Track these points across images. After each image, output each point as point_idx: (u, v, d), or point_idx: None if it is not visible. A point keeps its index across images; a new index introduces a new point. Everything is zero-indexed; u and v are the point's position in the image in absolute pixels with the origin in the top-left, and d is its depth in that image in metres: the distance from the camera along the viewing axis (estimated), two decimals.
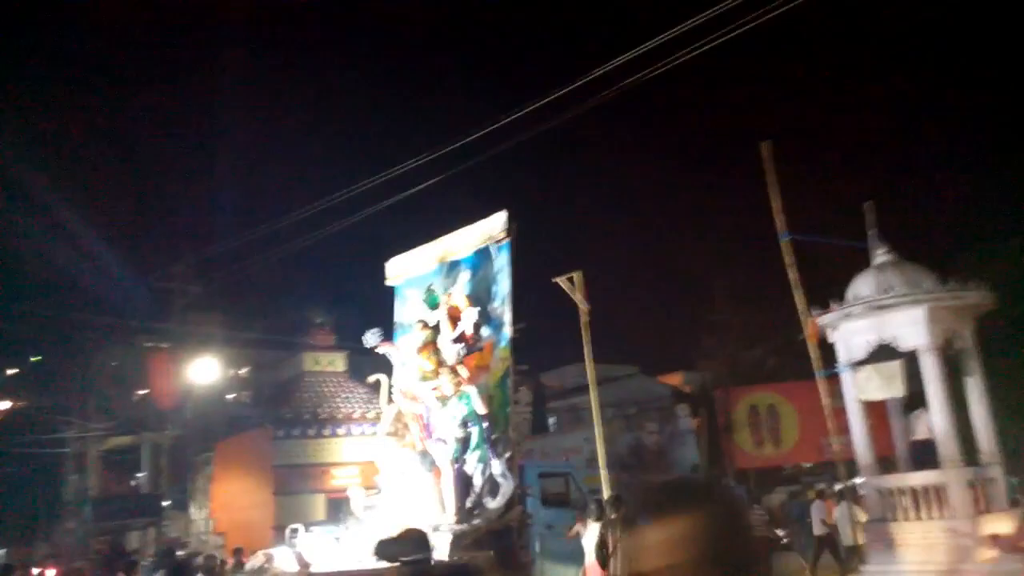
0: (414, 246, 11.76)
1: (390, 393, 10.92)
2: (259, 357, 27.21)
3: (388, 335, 11.30)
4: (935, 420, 9.42)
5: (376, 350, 11.11)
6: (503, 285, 10.45)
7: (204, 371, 21.90)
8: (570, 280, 11.19)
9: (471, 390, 9.85)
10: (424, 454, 10.07)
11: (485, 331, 10.49)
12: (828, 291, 9.97)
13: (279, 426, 22.21)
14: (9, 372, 30.46)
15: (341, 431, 22.96)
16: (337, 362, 24.96)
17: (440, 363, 10.39)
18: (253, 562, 9.82)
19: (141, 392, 27.16)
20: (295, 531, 11.54)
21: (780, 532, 20.76)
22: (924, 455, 9.63)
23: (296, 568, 9.17)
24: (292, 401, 23.19)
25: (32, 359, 30.65)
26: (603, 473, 10.85)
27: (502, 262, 10.55)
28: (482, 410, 9.71)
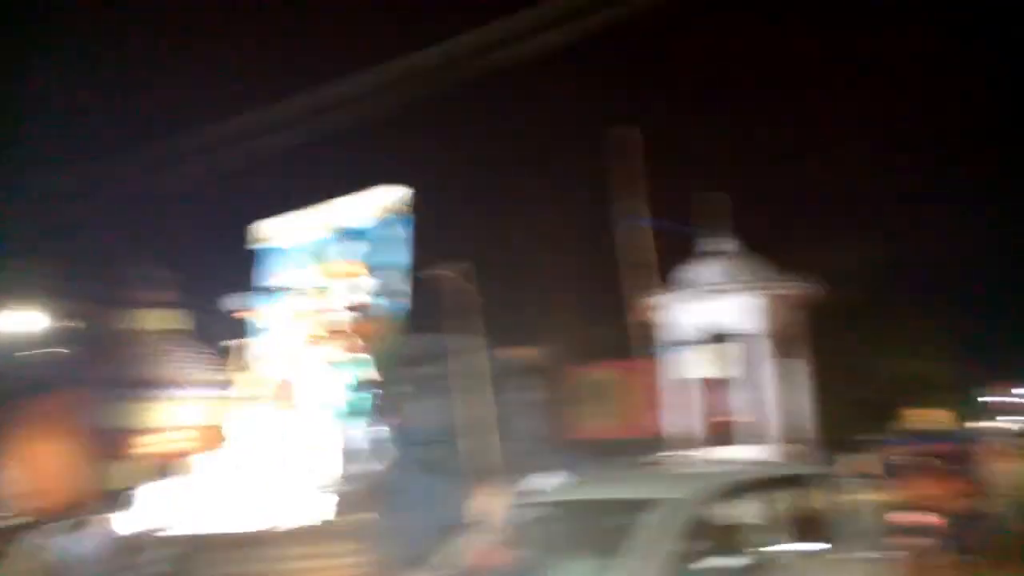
0: (269, 207, 11.26)
1: (255, 357, 10.70)
2: (85, 311, 25.17)
3: (248, 297, 10.89)
4: (765, 400, 9.98)
5: (241, 313, 10.87)
6: (401, 256, 10.70)
7: (23, 323, 19.99)
8: (458, 271, 11.17)
9: (363, 357, 10.10)
10: (304, 418, 10.19)
11: (379, 300, 10.70)
12: (667, 274, 10.30)
13: (103, 386, 20.67)
14: None
15: (173, 393, 21.70)
16: (173, 320, 23.50)
17: (329, 329, 10.52)
18: (94, 525, 9.11)
19: None
20: (132, 494, 10.94)
21: None
22: (749, 432, 10.18)
23: (138, 531, 8.89)
24: (122, 358, 21.64)
25: None
26: (485, 440, 11.15)
27: (400, 235, 10.79)
28: (372, 377, 10.00)
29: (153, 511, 9.41)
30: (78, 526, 7.86)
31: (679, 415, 10.50)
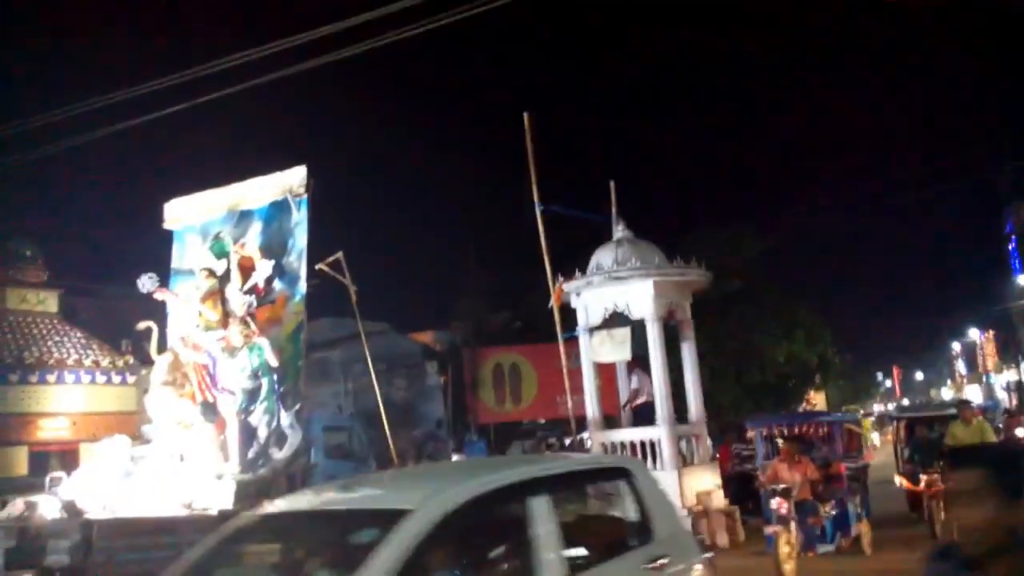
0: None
1: (161, 341, 10.41)
2: None
3: (154, 279, 10.49)
4: (654, 382, 10.45)
5: (153, 295, 10.59)
6: (300, 240, 10.45)
7: None
8: (335, 263, 11.05)
9: (263, 342, 9.79)
10: (206, 404, 9.91)
11: (278, 284, 10.42)
12: (574, 261, 10.60)
13: None
14: None
15: (51, 378, 20.56)
16: (49, 301, 22.21)
17: (227, 313, 10.20)
18: (10, 511, 8.60)
19: None
20: (56, 479, 10.42)
21: None
22: (643, 413, 10.63)
23: (64, 515, 8.47)
24: None
25: None
26: (386, 427, 11.13)
27: (299, 217, 10.51)
28: (274, 363, 9.71)
29: (67, 496, 9.03)
30: (22, 521, 7.48)
31: (583, 398, 10.84)
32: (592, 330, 10.84)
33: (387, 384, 25.15)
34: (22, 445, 19.91)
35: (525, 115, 10.43)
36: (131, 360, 23.04)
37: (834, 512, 8.77)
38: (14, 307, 21.47)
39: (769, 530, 8.25)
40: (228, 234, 10.87)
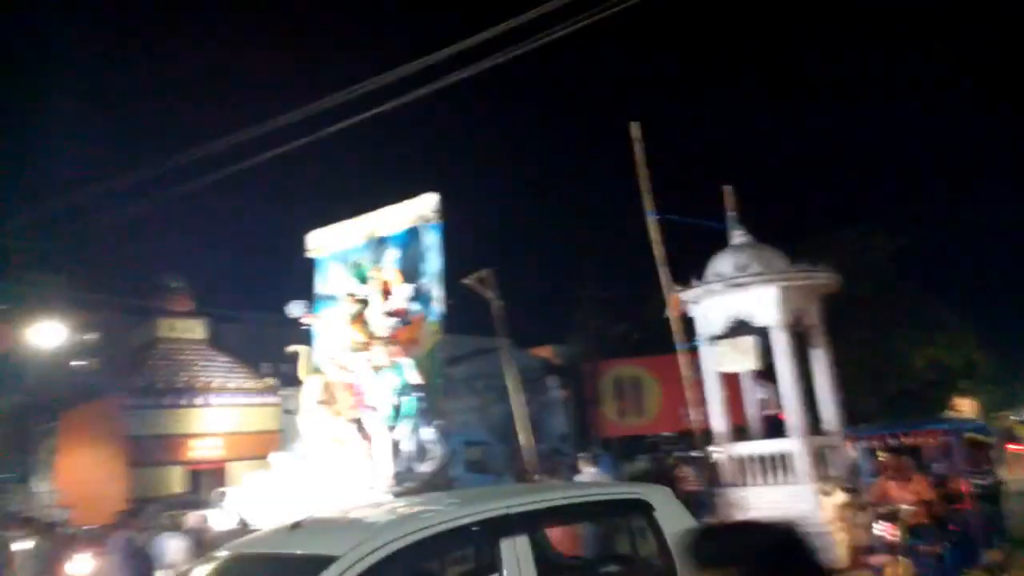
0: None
1: (309, 364, 11.10)
2: (109, 322, 25.56)
3: (306, 305, 11.38)
4: (782, 392, 10.07)
5: (300, 321, 11.35)
6: (433, 263, 11.00)
7: (46, 336, 20.31)
8: (480, 279, 11.52)
9: (405, 361, 10.32)
10: (356, 421, 10.42)
11: (415, 306, 10.96)
12: (691, 269, 10.40)
13: (132, 395, 21.02)
14: None
15: (199, 401, 22.02)
16: (196, 329, 23.85)
17: (371, 335, 10.74)
18: (189, 522, 9.46)
19: None
20: (223, 493, 11.39)
21: None
22: (774, 425, 10.27)
23: (237, 526, 9.21)
24: (146, 369, 21.99)
25: None
26: (522, 440, 11.45)
27: (432, 241, 11.07)
28: (416, 380, 10.21)
29: (238, 510, 9.78)
30: (173, 524, 8.20)
31: (709, 410, 10.59)
32: (714, 339, 10.59)
33: (509, 400, 25.49)
34: (177, 465, 21.40)
35: (632, 124, 10.38)
36: (272, 381, 24.39)
37: (955, 539, 7.42)
38: (164, 335, 23.19)
39: (875, 560, 7.23)
40: (367, 260, 11.56)
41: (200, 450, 21.89)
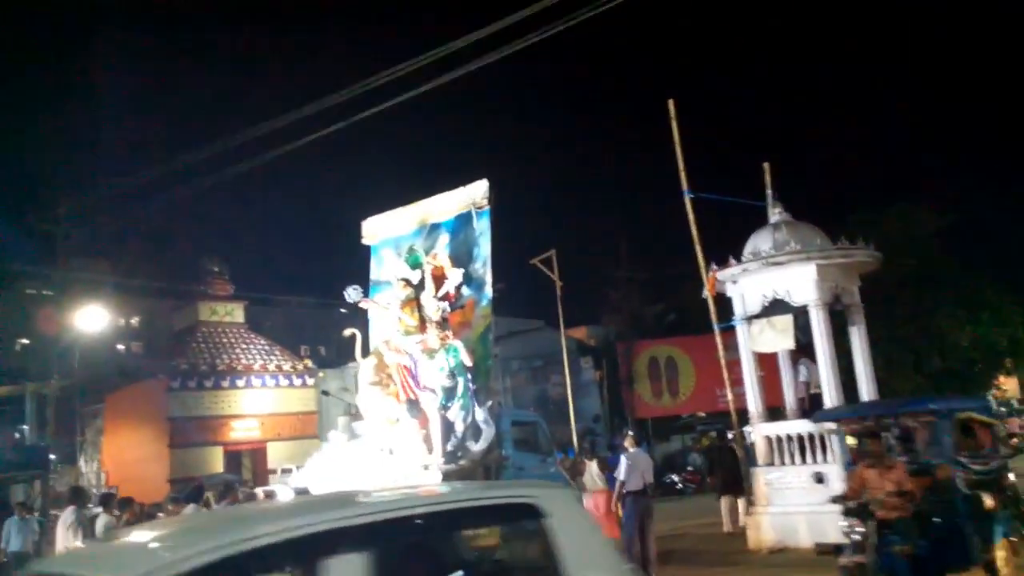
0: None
1: (365, 347, 11.43)
2: (152, 306, 26.11)
3: (359, 290, 11.83)
4: (821, 371, 9.92)
5: (359, 305, 11.63)
6: (484, 248, 11.26)
7: (92, 320, 20.79)
8: (547, 260, 11.73)
9: (458, 344, 10.60)
10: (411, 402, 10.79)
11: (466, 290, 11.25)
12: (728, 248, 10.26)
13: (174, 377, 21.46)
14: None
15: (240, 383, 22.41)
16: (235, 312, 24.24)
17: (424, 319, 11.05)
18: (259, 499, 9.80)
19: (23, 340, 25.68)
20: (287, 470, 11.81)
21: (676, 478, 21.76)
22: (815, 405, 10.13)
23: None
24: (187, 352, 22.42)
25: None
26: (572, 424, 11.67)
27: (483, 227, 11.32)
28: (468, 362, 10.48)
29: (303, 483, 10.20)
30: (244, 500, 8.49)
31: (746, 389, 10.47)
32: (751, 319, 10.45)
33: (543, 380, 25.50)
34: (218, 445, 21.84)
35: (670, 102, 10.25)
36: (310, 364, 24.74)
37: (937, 535, 6.25)
38: (205, 319, 23.62)
39: (842, 561, 6.27)
40: (420, 246, 11.81)
41: (239, 431, 22.31)
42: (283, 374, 23.41)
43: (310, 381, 23.94)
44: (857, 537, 6.05)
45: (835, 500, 6.59)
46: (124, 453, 22.15)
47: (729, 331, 10.85)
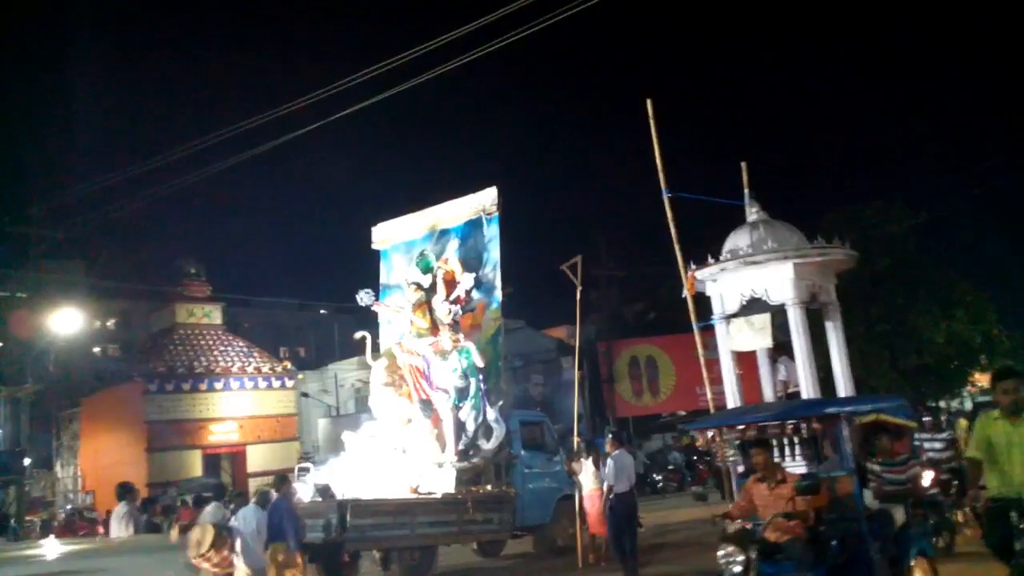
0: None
1: (376, 349, 11.78)
2: (128, 308, 25.83)
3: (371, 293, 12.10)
4: (798, 369, 10.01)
5: (371, 308, 12.02)
6: (493, 253, 11.66)
7: (66, 322, 20.53)
8: (573, 266, 12.11)
9: (470, 346, 10.94)
10: (424, 402, 11.09)
11: (476, 294, 11.60)
12: (707, 247, 10.30)
13: (151, 380, 21.25)
14: None
15: (219, 385, 22.24)
16: (213, 314, 24.05)
17: (435, 321, 11.39)
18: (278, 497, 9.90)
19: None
20: (304, 469, 12.13)
21: (657, 477, 21.85)
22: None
23: (319, 499, 9.70)
24: (165, 354, 22.21)
25: None
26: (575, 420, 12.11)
27: (492, 232, 11.72)
28: (480, 364, 10.81)
29: (320, 481, 10.27)
30: (262, 497, 8.61)
31: (725, 388, 10.53)
32: (729, 317, 10.52)
33: (525, 380, 25.52)
34: (196, 449, 21.65)
35: (647, 101, 10.28)
36: (289, 366, 24.59)
37: (833, 561, 5.27)
38: (183, 320, 23.40)
39: None
40: (431, 251, 12.15)
41: (218, 434, 22.13)
42: (262, 376, 23.27)
43: (289, 383, 23.82)
44: (736, 569, 5.05)
45: (718, 519, 5.77)
46: (101, 457, 21.90)
47: (709, 330, 10.91)
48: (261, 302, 28.88)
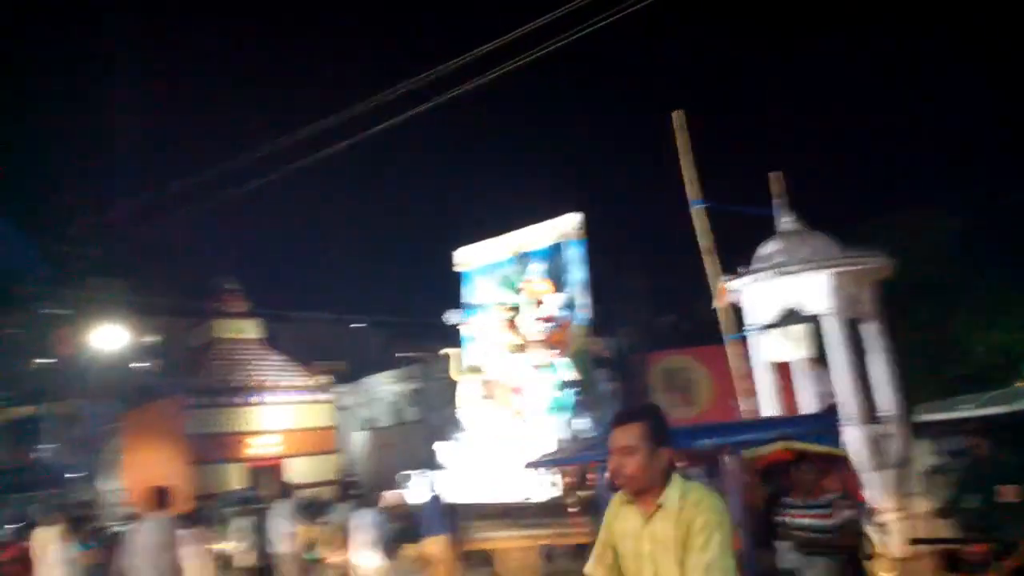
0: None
1: (460, 364, 13.01)
2: (167, 324, 26.30)
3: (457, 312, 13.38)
4: (837, 381, 9.85)
5: (458, 327, 13.29)
6: (578, 274, 12.71)
7: (109, 339, 21.00)
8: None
9: (562, 360, 12.05)
10: (517, 413, 12.12)
11: (563, 312, 12.71)
12: (739, 257, 10.24)
13: (191, 395, 21.60)
14: None
15: (258, 399, 22.53)
16: (249, 329, 24.39)
17: (524, 338, 12.60)
18: (386, 500, 10.45)
19: (41, 360, 25.93)
20: (407, 476, 13.02)
21: None
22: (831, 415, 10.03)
23: (428, 501, 10.31)
24: (204, 369, 22.56)
25: None
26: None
27: (576, 255, 12.78)
28: (571, 376, 11.92)
29: (426, 487, 10.88)
30: (371, 500, 9.29)
31: (760, 400, 10.41)
32: (763, 328, 10.41)
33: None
34: (237, 462, 21.92)
35: (675, 113, 10.26)
36: (326, 379, 24.83)
37: None
38: (220, 335, 23.78)
39: None
40: (516, 273, 13.33)
41: (257, 447, 22.40)
42: (300, 389, 23.52)
43: (327, 396, 24.05)
44: None
45: None
46: (143, 471, 22.28)
47: (742, 341, 10.81)
48: (298, 316, 29.25)
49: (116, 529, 9.44)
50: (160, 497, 8.93)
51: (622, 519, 2.64)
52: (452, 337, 14.18)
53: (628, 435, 2.54)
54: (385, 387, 26.97)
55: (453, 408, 13.78)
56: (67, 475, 22.26)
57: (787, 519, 5.13)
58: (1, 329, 25.96)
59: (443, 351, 13.39)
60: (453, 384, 13.76)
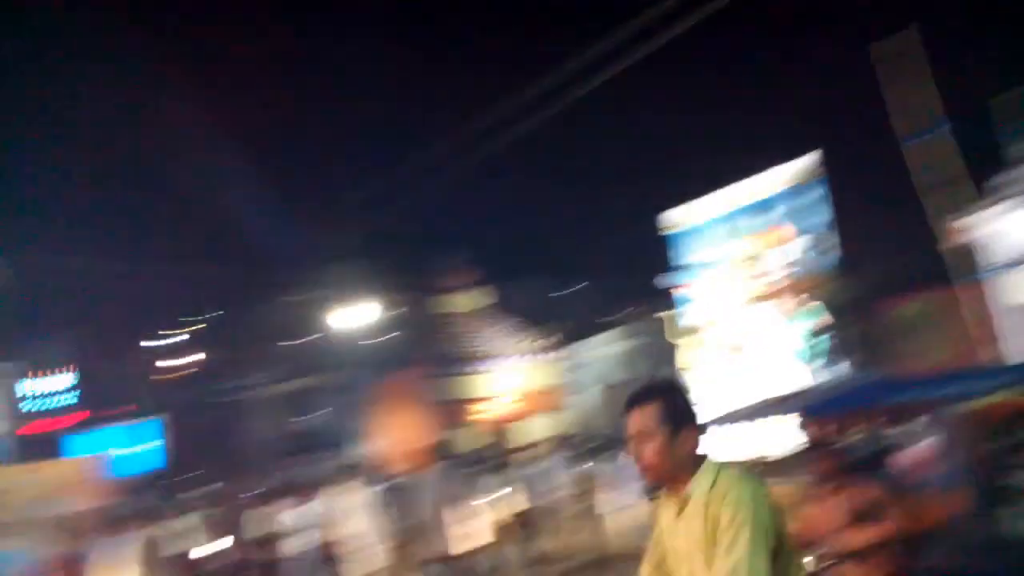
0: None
1: (674, 327, 13.24)
2: (410, 299, 28.60)
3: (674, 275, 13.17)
4: None
5: (675, 290, 13.41)
6: (823, 214, 12.15)
7: (366, 315, 23.25)
8: None
9: (814, 305, 11.72)
10: (755, 363, 12.01)
11: (811, 256, 12.39)
12: (964, 192, 9.33)
13: (434, 364, 23.54)
14: (196, 328, 33.89)
15: (490, 365, 24.05)
16: (483, 298, 25.98)
17: (770, 288, 12.36)
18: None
19: (312, 337, 29.25)
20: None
21: None
22: None
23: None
24: (443, 340, 24.43)
25: (213, 314, 33.88)
26: None
27: (816, 196, 12.21)
28: (826, 321, 11.65)
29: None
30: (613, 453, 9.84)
31: (1007, 347, 9.48)
32: (1011, 266, 9.44)
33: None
34: (475, 424, 23.62)
35: (872, 45, 9.48)
36: (555, 340, 25.89)
37: None
38: (455, 308, 25.58)
39: None
40: (751, 223, 13.03)
41: (493, 409, 23.96)
42: (532, 351, 24.74)
43: (555, 356, 25.09)
44: None
45: None
46: (396, 433, 24.69)
47: (991, 280, 9.87)
48: (528, 282, 30.55)
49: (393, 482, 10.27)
50: (435, 453, 10.19)
51: (663, 511, 2.38)
52: (669, 299, 14.13)
53: (643, 418, 2.26)
54: (608, 347, 27.50)
55: (675, 367, 13.77)
56: (338, 439, 25.22)
57: (1016, 481, 4.57)
58: (284, 310, 29.67)
59: (656, 314, 13.39)
60: (671, 345, 13.83)
